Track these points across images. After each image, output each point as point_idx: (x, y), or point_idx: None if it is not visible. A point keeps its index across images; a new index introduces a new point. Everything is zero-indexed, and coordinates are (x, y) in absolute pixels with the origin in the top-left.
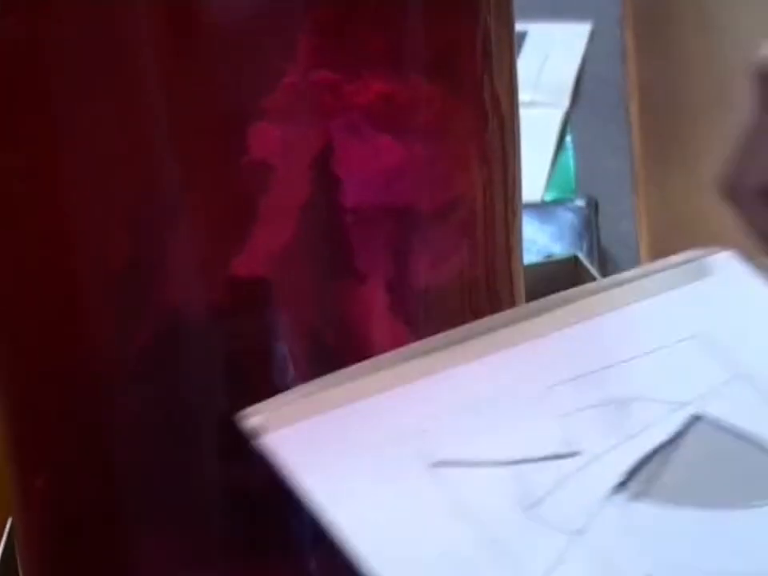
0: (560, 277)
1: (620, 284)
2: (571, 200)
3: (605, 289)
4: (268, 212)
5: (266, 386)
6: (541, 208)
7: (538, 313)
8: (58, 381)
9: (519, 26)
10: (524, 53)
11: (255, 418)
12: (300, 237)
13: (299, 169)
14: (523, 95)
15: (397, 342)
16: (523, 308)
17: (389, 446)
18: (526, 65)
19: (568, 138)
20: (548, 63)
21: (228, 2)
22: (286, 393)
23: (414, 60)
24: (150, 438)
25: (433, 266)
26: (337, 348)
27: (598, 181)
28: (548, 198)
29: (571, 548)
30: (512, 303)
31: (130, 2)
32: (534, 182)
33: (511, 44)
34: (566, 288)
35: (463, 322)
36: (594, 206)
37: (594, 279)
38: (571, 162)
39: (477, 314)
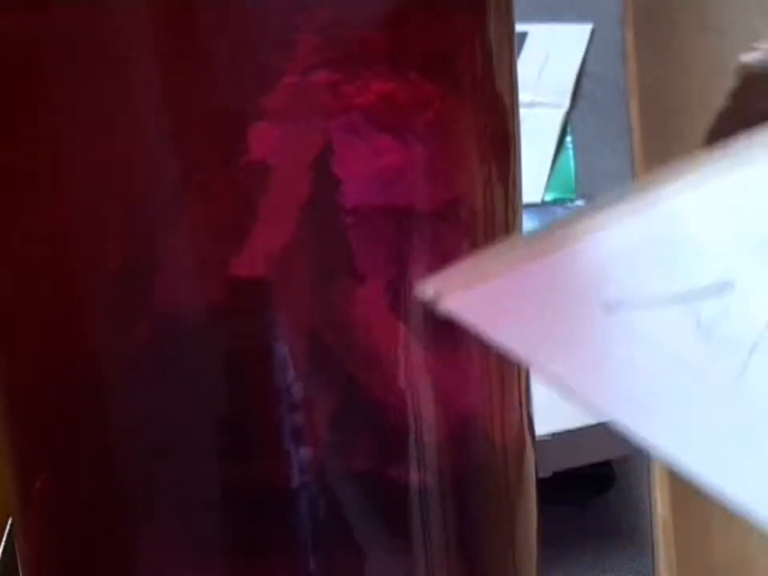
0: None
1: None
2: (571, 200)
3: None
4: (268, 212)
5: (266, 386)
6: (541, 208)
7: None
8: (58, 381)
9: (519, 27)
10: (524, 53)
11: (433, 286)
12: (300, 237)
13: (299, 169)
14: (523, 95)
15: (397, 342)
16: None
17: (568, 297)
18: (526, 65)
19: (568, 139)
20: (548, 64)
21: (227, 2)
22: (459, 264)
23: (414, 60)
24: (150, 438)
25: (433, 266)
26: (337, 348)
27: (599, 181)
28: (548, 198)
29: (752, 357)
30: None
31: (129, 2)
32: (534, 182)
33: (511, 44)
34: None
35: None
36: None
37: None
38: (571, 163)
39: None
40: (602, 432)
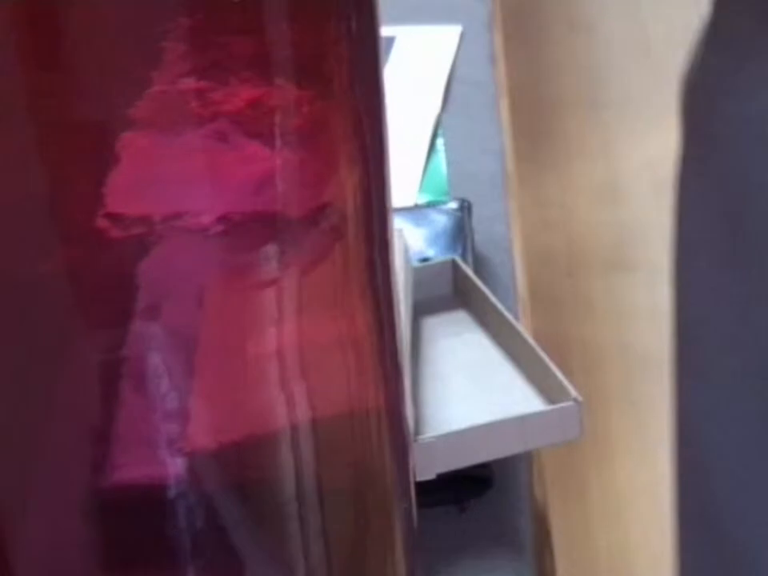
0: (438, 280)
1: None
2: (444, 202)
3: None
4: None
5: (139, 397)
6: (414, 211)
7: None
8: None
9: (388, 31)
10: (393, 57)
11: None
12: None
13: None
14: (393, 99)
15: (267, 340)
16: None
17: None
18: (395, 69)
19: (439, 141)
20: (418, 67)
21: (92, 11)
22: None
23: (281, 65)
24: (18, 452)
25: (304, 270)
26: (212, 355)
27: (471, 183)
28: (421, 200)
29: None
30: (389, 306)
31: None
32: (406, 185)
33: (378, 47)
34: (443, 292)
35: (338, 323)
36: (467, 208)
37: (472, 283)
38: (443, 165)
39: (351, 316)
40: (486, 433)
